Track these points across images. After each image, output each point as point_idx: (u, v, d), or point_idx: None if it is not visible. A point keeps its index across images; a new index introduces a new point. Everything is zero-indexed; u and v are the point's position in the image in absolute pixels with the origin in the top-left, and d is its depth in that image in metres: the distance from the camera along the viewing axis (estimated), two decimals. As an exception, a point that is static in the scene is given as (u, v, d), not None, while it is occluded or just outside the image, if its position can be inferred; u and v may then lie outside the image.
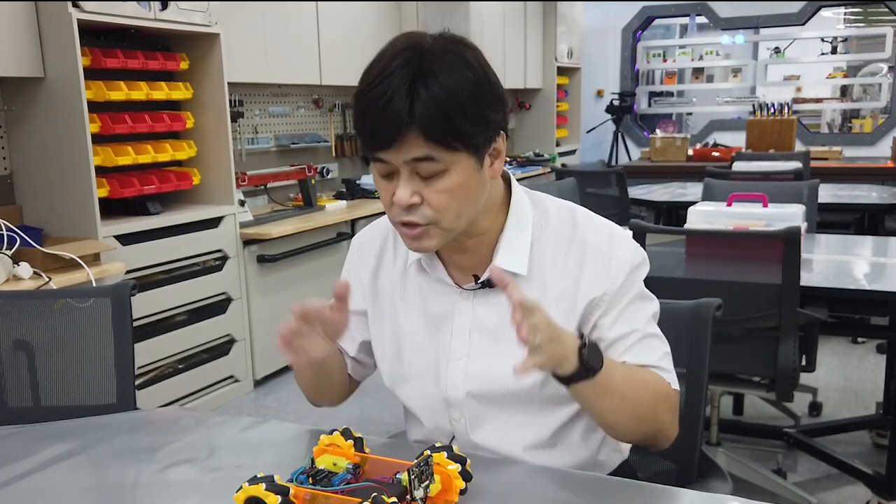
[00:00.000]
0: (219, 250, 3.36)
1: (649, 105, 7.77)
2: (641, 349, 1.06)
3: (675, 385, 1.09)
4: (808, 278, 2.11)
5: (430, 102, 0.91)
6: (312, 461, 0.97)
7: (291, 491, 0.88)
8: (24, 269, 2.43)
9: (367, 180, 4.52)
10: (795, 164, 3.99)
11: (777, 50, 7.56)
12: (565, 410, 1.10)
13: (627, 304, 1.07)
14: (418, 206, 0.98)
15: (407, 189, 0.97)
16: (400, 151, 0.95)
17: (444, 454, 0.92)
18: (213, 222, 3.34)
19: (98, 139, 2.91)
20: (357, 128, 0.99)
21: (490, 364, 1.09)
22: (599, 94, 7.62)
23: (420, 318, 1.14)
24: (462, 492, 0.93)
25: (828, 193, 3.82)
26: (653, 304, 1.11)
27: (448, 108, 0.92)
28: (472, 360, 1.10)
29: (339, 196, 4.40)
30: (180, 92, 3.26)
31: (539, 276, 1.08)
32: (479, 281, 1.09)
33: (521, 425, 1.09)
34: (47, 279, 2.42)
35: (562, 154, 6.79)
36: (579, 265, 1.07)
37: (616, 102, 7.07)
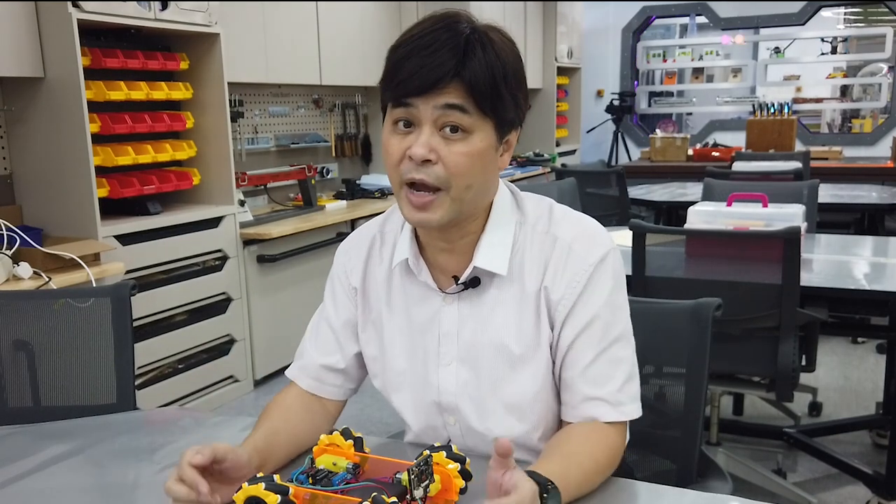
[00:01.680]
0: (219, 250, 3.36)
1: (649, 105, 7.77)
2: (600, 372, 1.03)
3: (635, 414, 1.05)
4: (807, 278, 2.11)
5: (482, 59, 0.94)
6: (312, 461, 0.97)
7: (291, 490, 0.88)
8: (24, 269, 2.43)
9: (366, 180, 4.53)
10: (795, 164, 3.99)
11: (777, 50, 7.57)
12: (559, 411, 1.09)
13: (593, 315, 1.03)
14: (432, 165, 0.96)
15: (426, 143, 0.95)
16: (434, 97, 0.94)
17: (444, 454, 0.92)
18: (213, 222, 3.34)
19: (98, 139, 2.91)
20: (390, 74, 0.97)
21: (481, 367, 1.08)
22: (599, 94, 7.62)
23: (406, 325, 1.13)
24: (462, 491, 0.93)
25: (828, 193, 3.83)
26: (624, 316, 1.07)
27: (496, 71, 0.95)
28: (462, 364, 1.09)
29: (338, 196, 4.40)
30: (180, 92, 3.26)
31: (518, 275, 1.06)
32: (459, 282, 1.07)
33: (515, 427, 1.09)
34: (47, 279, 2.42)
35: (562, 154, 6.79)
36: (547, 261, 1.05)
37: (616, 102, 7.07)
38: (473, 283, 1.07)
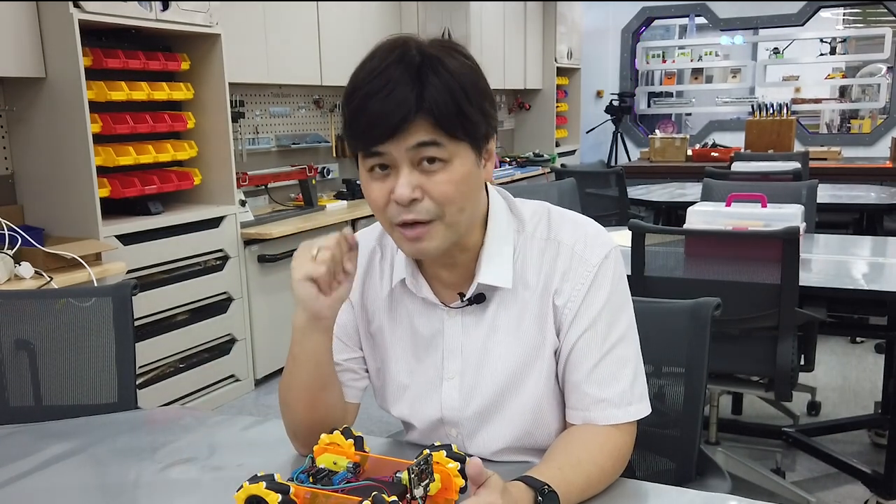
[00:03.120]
0: (220, 250, 3.37)
1: (649, 105, 7.77)
2: (607, 373, 1.03)
3: (644, 412, 1.05)
4: (806, 278, 2.11)
5: (439, 86, 0.91)
6: (313, 460, 0.98)
7: (292, 489, 0.88)
8: (26, 268, 2.43)
9: (367, 180, 4.53)
10: (794, 165, 4.00)
11: (776, 50, 7.58)
12: (561, 420, 1.09)
13: (597, 316, 1.03)
14: (419, 202, 0.95)
15: (407, 183, 0.93)
16: (403, 140, 0.92)
17: (444, 453, 0.92)
18: (214, 222, 3.34)
19: (99, 139, 2.92)
20: (352, 124, 0.94)
21: (484, 380, 1.08)
22: (599, 94, 7.63)
23: (409, 340, 1.12)
24: (462, 490, 0.93)
25: (826, 194, 3.83)
26: (626, 315, 1.06)
27: (456, 92, 0.92)
28: (466, 378, 1.09)
29: (339, 196, 4.41)
30: (181, 92, 3.27)
31: (521, 284, 1.06)
32: (465, 299, 1.07)
33: (518, 437, 1.09)
34: (49, 279, 2.43)
35: (561, 154, 6.80)
36: (552, 267, 1.05)
37: (615, 103, 7.08)
38: (478, 298, 1.07)
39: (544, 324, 1.05)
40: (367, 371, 1.19)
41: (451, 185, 0.95)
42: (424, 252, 0.99)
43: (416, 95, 0.90)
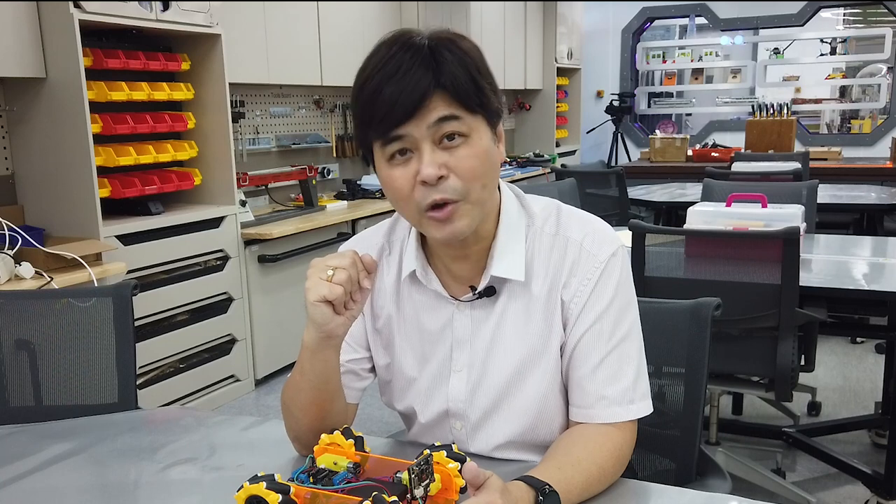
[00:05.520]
0: (220, 250, 3.37)
1: (649, 106, 7.77)
2: (611, 371, 1.03)
3: (646, 411, 1.05)
4: (807, 278, 2.11)
5: (454, 62, 0.94)
6: (313, 460, 0.98)
7: (292, 490, 0.88)
8: (26, 268, 2.43)
9: (367, 180, 4.53)
10: (794, 165, 4.00)
11: (776, 51, 7.58)
12: (565, 416, 1.09)
13: (603, 313, 1.04)
14: (446, 180, 0.95)
15: (432, 161, 0.93)
16: (423, 118, 0.93)
17: (444, 453, 0.92)
18: (215, 222, 3.35)
19: (100, 139, 2.92)
20: (367, 112, 0.94)
21: (491, 373, 1.08)
22: (599, 94, 7.63)
23: (416, 333, 1.12)
24: (462, 490, 0.93)
25: (827, 194, 3.83)
26: (632, 312, 1.07)
27: (470, 67, 0.95)
28: (473, 370, 1.09)
29: (339, 196, 4.41)
30: (182, 92, 3.27)
31: (529, 279, 1.06)
32: (477, 291, 1.07)
33: (522, 432, 1.09)
34: (49, 279, 2.43)
35: (562, 154, 6.80)
36: (560, 262, 1.06)
37: (616, 103, 7.08)
38: (489, 291, 1.07)
39: (551, 318, 1.06)
40: (369, 371, 1.19)
41: (476, 160, 0.96)
42: (457, 231, 0.99)
43: (433, 72, 0.93)
